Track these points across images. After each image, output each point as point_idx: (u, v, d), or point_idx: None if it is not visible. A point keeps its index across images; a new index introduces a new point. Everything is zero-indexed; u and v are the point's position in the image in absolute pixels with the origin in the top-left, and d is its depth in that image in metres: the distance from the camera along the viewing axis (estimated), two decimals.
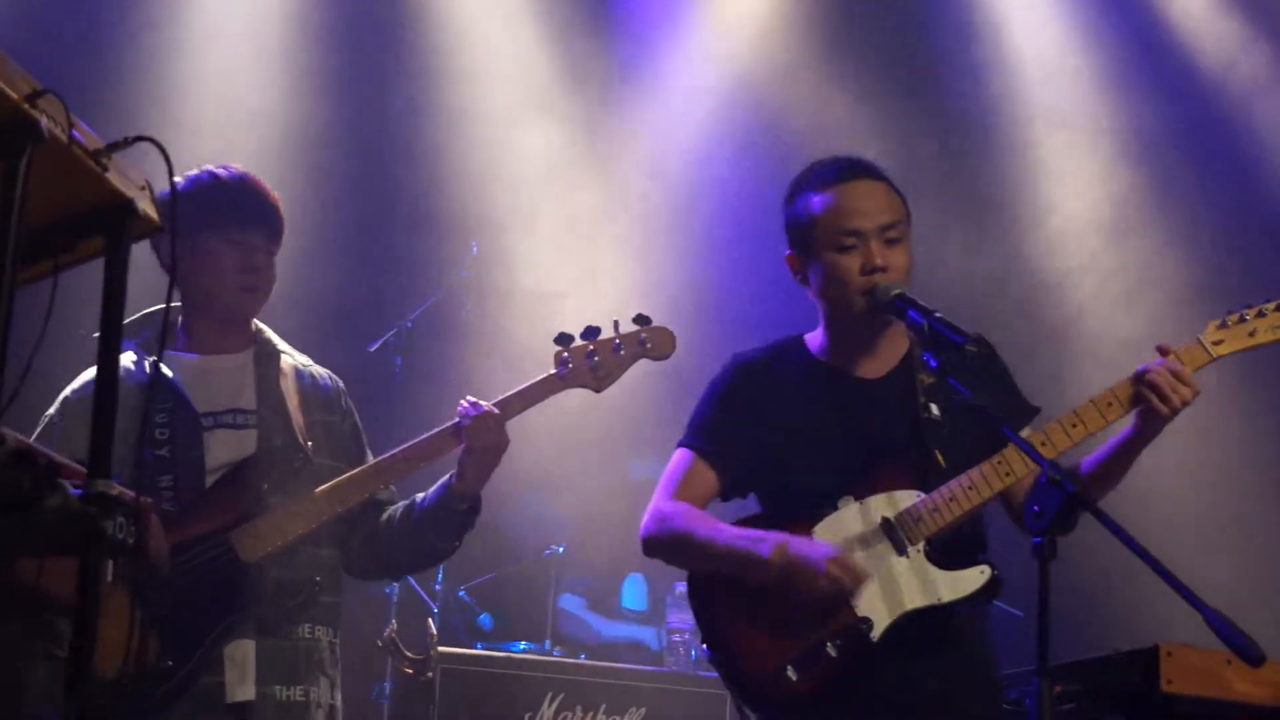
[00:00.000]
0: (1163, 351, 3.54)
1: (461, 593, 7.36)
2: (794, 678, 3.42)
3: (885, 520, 3.50)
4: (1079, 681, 3.80)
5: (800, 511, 3.56)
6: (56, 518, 2.10)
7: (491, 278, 7.82)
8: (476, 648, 6.75)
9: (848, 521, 3.52)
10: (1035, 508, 2.99)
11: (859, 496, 3.53)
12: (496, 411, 4.01)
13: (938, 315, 3.37)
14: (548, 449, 6.74)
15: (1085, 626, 6.21)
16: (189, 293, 4.10)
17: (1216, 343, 3.57)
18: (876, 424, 3.63)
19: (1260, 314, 3.60)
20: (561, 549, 7.47)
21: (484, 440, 4.01)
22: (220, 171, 4.13)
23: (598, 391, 4.17)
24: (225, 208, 4.07)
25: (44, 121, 2.08)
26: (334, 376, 4.34)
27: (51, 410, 4.06)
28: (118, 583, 2.46)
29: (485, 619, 7.34)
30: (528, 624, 7.33)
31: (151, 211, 2.38)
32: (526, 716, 6.23)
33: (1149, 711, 3.77)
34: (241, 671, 3.87)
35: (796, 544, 3.44)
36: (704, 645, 3.60)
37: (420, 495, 4.18)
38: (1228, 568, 5.59)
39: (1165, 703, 3.69)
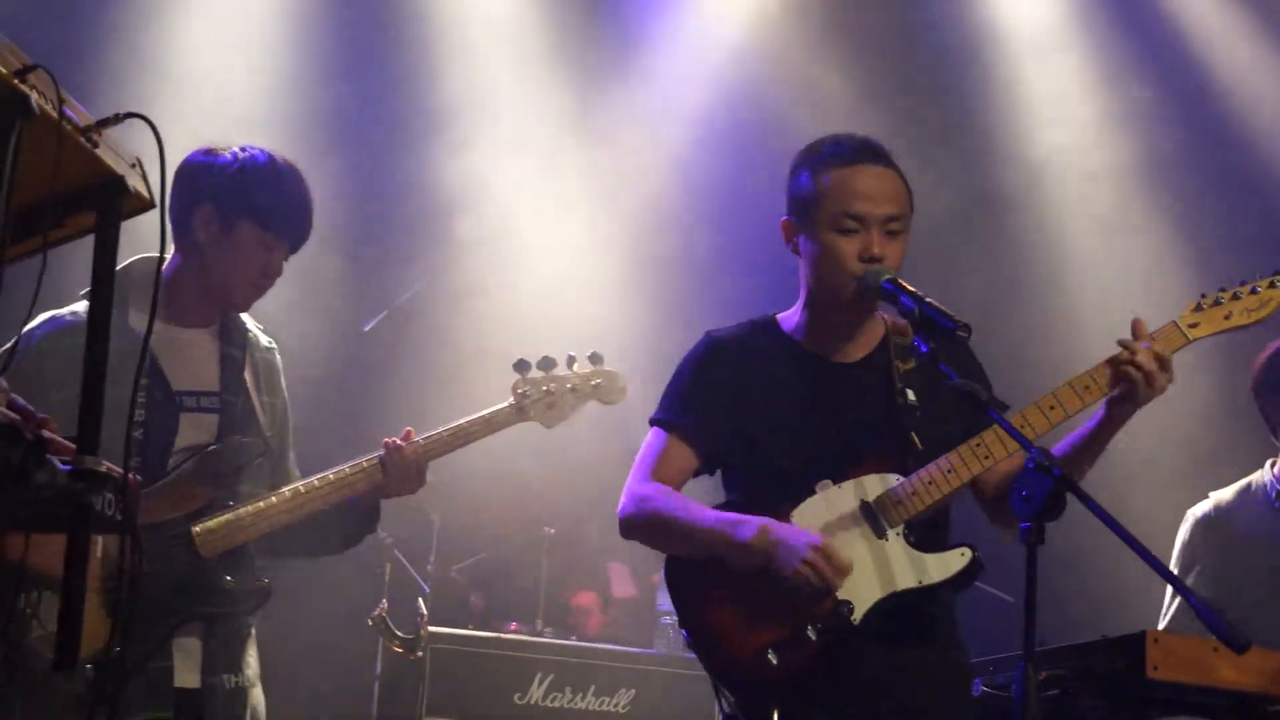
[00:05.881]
0: (1138, 332, 3.51)
1: (454, 573, 7.37)
2: (774, 661, 3.40)
3: (864, 503, 3.49)
4: (1066, 667, 3.81)
5: (776, 494, 3.53)
6: (44, 493, 2.09)
7: (484, 263, 7.83)
8: (467, 628, 6.76)
9: (826, 505, 3.50)
10: (1023, 493, 2.99)
11: (836, 480, 3.52)
12: (423, 462, 4.07)
13: (929, 301, 3.36)
14: (541, 432, 6.73)
15: (1072, 612, 6.22)
16: (197, 264, 3.96)
17: (1192, 325, 3.55)
18: (853, 407, 3.62)
19: (1235, 297, 3.58)
20: (552, 530, 7.47)
21: (404, 487, 4.09)
22: (281, 166, 4.02)
23: (548, 428, 4.32)
24: (275, 208, 3.97)
25: (34, 97, 2.07)
26: (275, 347, 4.23)
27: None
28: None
29: (477, 600, 7.35)
30: (518, 605, 7.34)
31: (142, 188, 2.37)
32: (515, 697, 6.25)
33: (1135, 697, 3.78)
34: (188, 659, 3.85)
35: (779, 529, 3.42)
36: (682, 629, 3.57)
37: None
38: None
39: (1151, 689, 3.70)
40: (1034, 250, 8.30)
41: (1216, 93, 7.99)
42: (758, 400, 3.63)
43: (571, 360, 4.34)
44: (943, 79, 8.41)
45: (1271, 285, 3.59)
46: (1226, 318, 3.57)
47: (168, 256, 4.02)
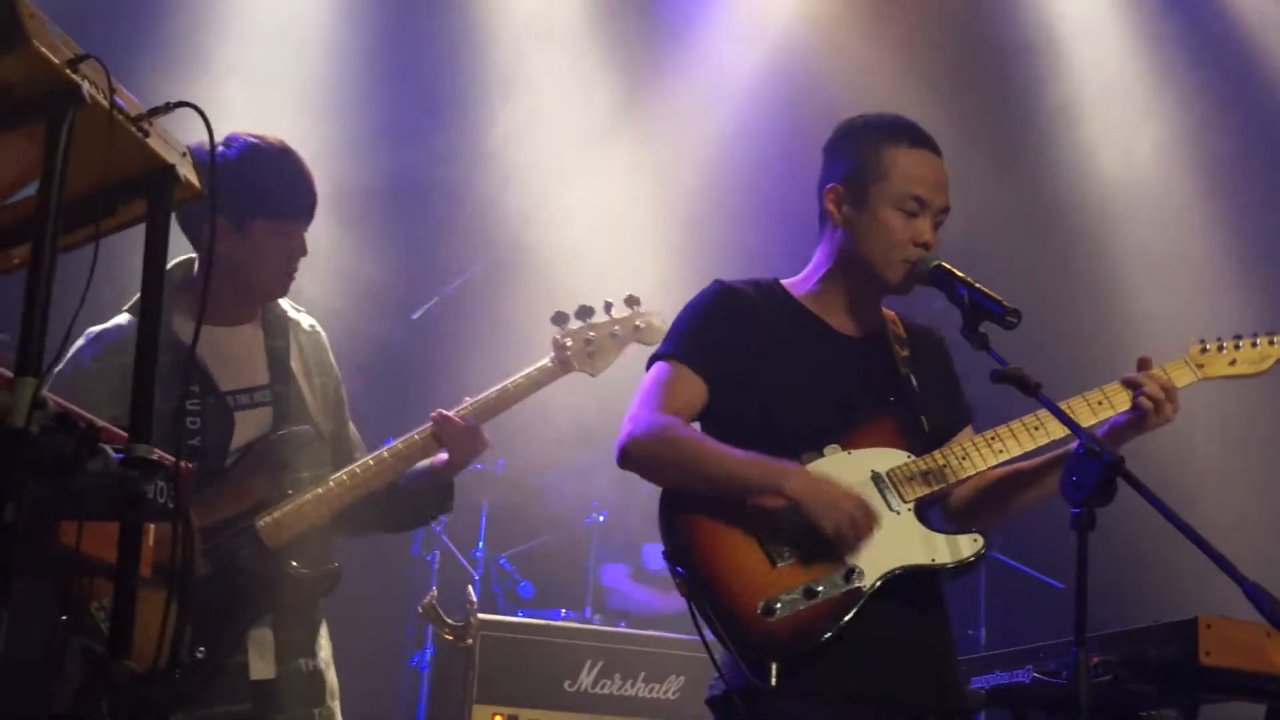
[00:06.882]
0: (1143, 364, 3.56)
1: (502, 560, 7.39)
2: (777, 614, 3.32)
3: (875, 474, 3.47)
4: (1117, 653, 3.79)
5: (782, 451, 3.44)
6: (98, 481, 2.11)
7: (533, 247, 7.83)
8: (516, 615, 6.78)
9: (836, 469, 3.44)
10: (1073, 478, 2.98)
11: (845, 447, 3.48)
12: (473, 423, 4.09)
13: (978, 286, 3.38)
14: (589, 417, 6.74)
15: (1124, 598, 6.19)
16: (223, 269, 3.86)
17: (1200, 365, 3.66)
18: (860, 379, 3.60)
19: (1236, 346, 3.70)
20: (603, 518, 7.48)
21: (466, 453, 4.12)
22: (273, 151, 3.97)
23: (593, 375, 4.28)
24: (281, 198, 3.96)
25: (86, 86, 2.09)
26: (318, 327, 4.23)
27: (60, 366, 3.86)
28: (154, 574, 2.45)
29: (525, 586, 7.37)
30: (568, 592, 7.35)
31: (193, 177, 2.39)
32: (565, 684, 6.25)
33: (1187, 683, 3.76)
34: (262, 651, 3.87)
35: (822, 480, 3.37)
36: (678, 567, 3.39)
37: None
38: (1267, 539, 5.56)
39: (1204, 674, 3.68)
40: (1082, 249, 8.24)
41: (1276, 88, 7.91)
42: (766, 351, 3.56)
43: (609, 306, 4.31)
44: (991, 68, 8.36)
45: (1271, 342, 3.72)
46: (1231, 364, 3.70)
47: (187, 254, 4.04)
